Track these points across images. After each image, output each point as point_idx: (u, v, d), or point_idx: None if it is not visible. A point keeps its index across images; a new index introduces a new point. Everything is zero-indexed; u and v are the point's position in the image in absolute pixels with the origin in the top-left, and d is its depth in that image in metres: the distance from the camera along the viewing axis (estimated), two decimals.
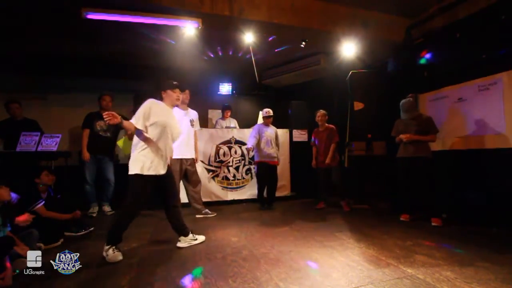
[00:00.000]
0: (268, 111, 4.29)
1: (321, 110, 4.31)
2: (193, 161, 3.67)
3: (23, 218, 2.31)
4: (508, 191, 3.08)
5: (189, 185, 3.70)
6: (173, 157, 3.50)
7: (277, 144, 4.34)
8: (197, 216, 3.73)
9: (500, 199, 3.16)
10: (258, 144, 4.17)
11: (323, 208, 4.22)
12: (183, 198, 3.73)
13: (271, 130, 4.27)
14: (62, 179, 3.56)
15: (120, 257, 2.24)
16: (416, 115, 3.43)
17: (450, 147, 3.76)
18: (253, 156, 4.53)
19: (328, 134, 4.20)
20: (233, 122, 5.45)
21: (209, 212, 3.78)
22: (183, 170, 3.54)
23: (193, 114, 3.76)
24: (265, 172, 4.21)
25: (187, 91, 3.66)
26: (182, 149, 3.48)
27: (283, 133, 5.21)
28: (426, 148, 3.34)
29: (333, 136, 4.19)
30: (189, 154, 3.59)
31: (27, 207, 2.61)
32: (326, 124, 4.29)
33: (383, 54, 4.69)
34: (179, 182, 3.54)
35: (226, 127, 5.12)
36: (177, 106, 3.69)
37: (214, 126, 5.55)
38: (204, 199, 4.02)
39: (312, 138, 4.41)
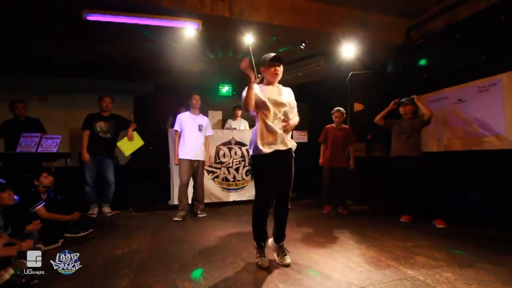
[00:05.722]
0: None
1: (340, 109, 4.07)
2: (199, 164, 3.79)
3: (33, 227, 2.36)
4: (508, 192, 3.07)
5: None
6: (183, 157, 3.64)
7: None
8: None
9: (500, 200, 3.15)
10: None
11: (330, 212, 4.01)
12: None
13: None
14: (62, 180, 3.56)
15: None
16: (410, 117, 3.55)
17: (450, 148, 3.75)
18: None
19: (344, 134, 4.04)
20: (243, 124, 5.33)
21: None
22: (191, 171, 3.72)
23: (203, 119, 3.88)
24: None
25: (197, 96, 3.77)
26: (190, 151, 3.65)
27: None
28: (419, 148, 3.41)
29: (351, 138, 4.05)
30: (195, 157, 3.72)
31: (27, 208, 2.61)
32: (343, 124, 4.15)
33: (383, 55, 4.69)
34: (189, 180, 3.72)
35: (233, 128, 5.04)
36: (189, 110, 3.80)
37: (222, 126, 5.49)
38: (205, 200, 4.03)
39: (323, 134, 4.12)
